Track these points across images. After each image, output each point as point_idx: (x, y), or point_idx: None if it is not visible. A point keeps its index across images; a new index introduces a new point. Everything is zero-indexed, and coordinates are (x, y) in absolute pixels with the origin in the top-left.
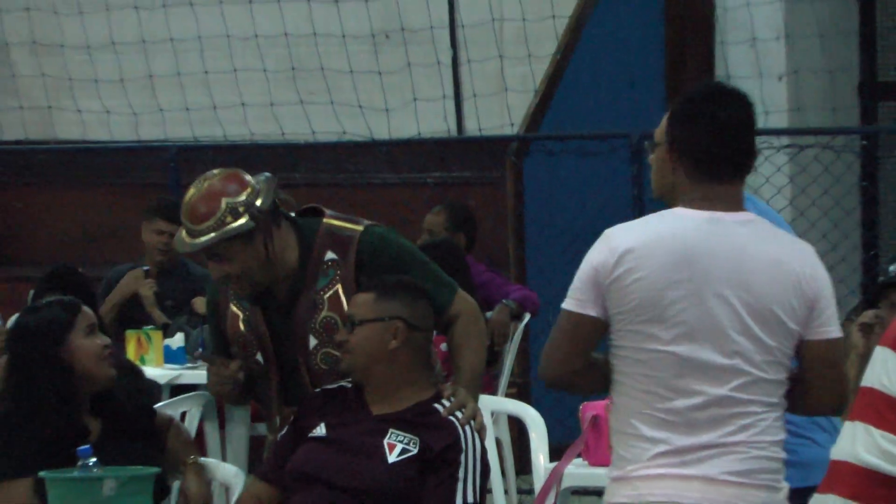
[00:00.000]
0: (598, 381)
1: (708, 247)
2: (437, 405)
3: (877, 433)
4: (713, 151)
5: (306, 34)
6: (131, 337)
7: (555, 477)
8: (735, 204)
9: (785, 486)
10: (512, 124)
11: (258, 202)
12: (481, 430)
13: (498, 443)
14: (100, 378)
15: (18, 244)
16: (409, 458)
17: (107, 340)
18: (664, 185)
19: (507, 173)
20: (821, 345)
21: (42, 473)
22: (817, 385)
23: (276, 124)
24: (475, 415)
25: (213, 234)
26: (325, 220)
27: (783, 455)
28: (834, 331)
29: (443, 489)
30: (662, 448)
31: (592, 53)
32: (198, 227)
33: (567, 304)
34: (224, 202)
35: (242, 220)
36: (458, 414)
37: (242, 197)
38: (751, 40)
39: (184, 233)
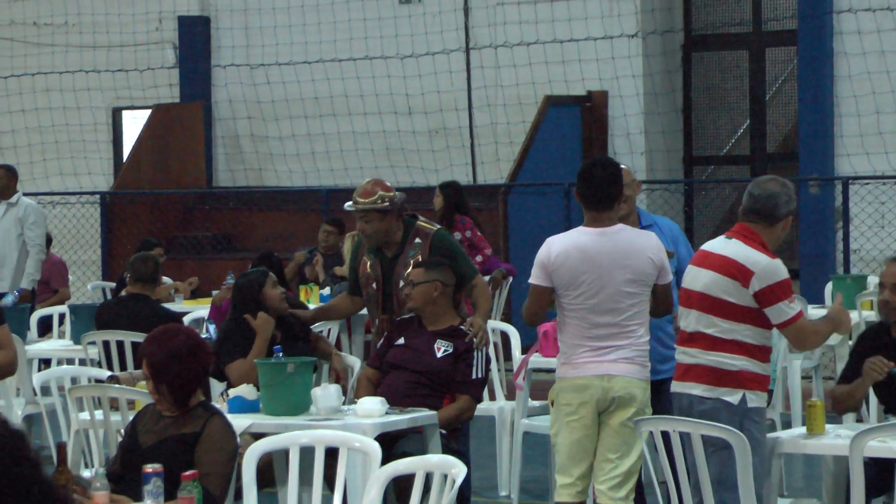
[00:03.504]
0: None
1: (599, 250)
2: (461, 326)
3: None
4: (592, 194)
5: (395, 131)
6: (302, 289)
7: (524, 363)
8: (611, 221)
9: (649, 365)
10: (502, 178)
11: (395, 200)
12: (482, 336)
13: (494, 345)
14: (277, 310)
15: (244, 240)
16: (447, 354)
17: (282, 290)
18: None
19: (500, 204)
20: (661, 286)
21: (256, 360)
22: (659, 304)
23: None
24: (484, 333)
25: (367, 204)
26: (418, 221)
27: (648, 348)
28: (667, 279)
29: (465, 369)
30: (589, 350)
31: (543, 140)
32: (362, 200)
33: (532, 280)
34: (379, 191)
35: (385, 204)
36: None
37: (388, 194)
38: (626, 135)
39: (351, 201)
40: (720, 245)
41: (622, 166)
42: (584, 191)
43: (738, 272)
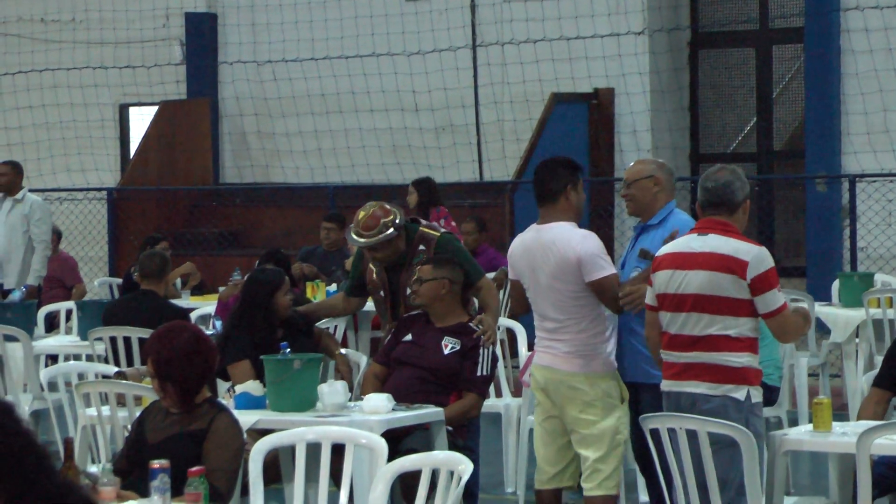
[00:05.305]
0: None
1: (531, 246)
2: (470, 324)
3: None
4: (535, 191)
5: (402, 128)
6: (308, 285)
7: (530, 360)
8: (549, 218)
9: (601, 355)
10: (509, 175)
11: (398, 221)
12: (489, 335)
13: (502, 342)
14: (284, 316)
15: (251, 236)
16: (455, 351)
17: (292, 296)
18: None
19: (506, 201)
20: (592, 283)
21: (262, 357)
22: (602, 300)
23: (386, 176)
24: (493, 332)
25: (373, 239)
26: (420, 227)
27: (600, 339)
28: (595, 275)
29: (471, 366)
30: (541, 340)
31: (550, 138)
32: (366, 234)
33: (510, 276)
34: (381, 221)
35: (390, 231)
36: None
37: (390, 219)
38: (633, 132)
39: (355, 235)
40: (698, 243)
41: (640, 163)
42: (533, 186)
43: (735, 265)
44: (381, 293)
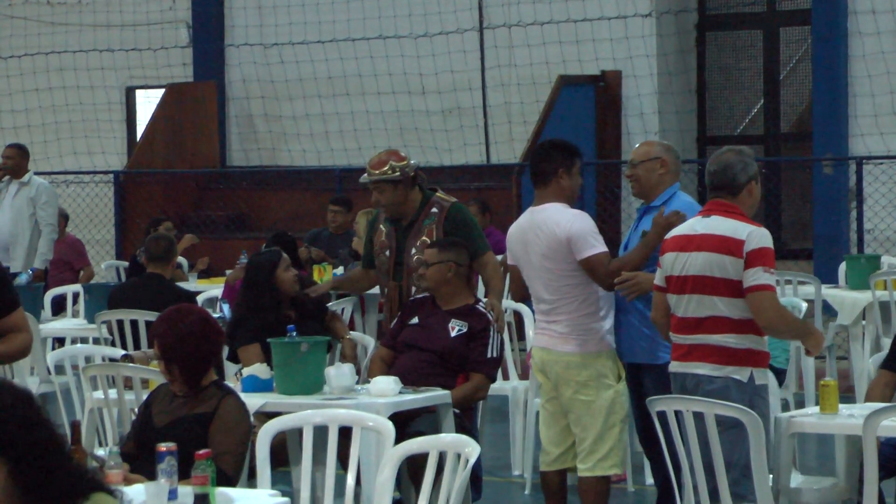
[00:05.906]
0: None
1: (525, 227)
2: (477, 306)
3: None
4: (530, 172)
5: (409, 111)
6: (315, 268)
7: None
8: (542, 200)
9: (597, 334)
10: (516, 157)
11: (406, 170)
12: (500, 320)
13: (508, 324)
14: (290, 292)
15: (257, 219)
16: (462, 334)
17: (295, 272)
18: None
19: (513, 184)
20: (582, 261)
21: (269, 340)
22: (594, 278)
23: None
24: (500, 313)
25: (378, 176)
26: (436, 194)
27: (594, 318)
28: (585, 253)
29: (480, 348)
30: (539, 322)
31: (557, 120)
32: (374, 171)
33: (508, 261)
34: (390, 161)
35: (395, 174)
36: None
37: (399, 164)
38: (640, 114)
39: (366, 175)
40: (701, 225)
41: (647, 144)
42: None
43: (733, 245)
44: (387, 253)
